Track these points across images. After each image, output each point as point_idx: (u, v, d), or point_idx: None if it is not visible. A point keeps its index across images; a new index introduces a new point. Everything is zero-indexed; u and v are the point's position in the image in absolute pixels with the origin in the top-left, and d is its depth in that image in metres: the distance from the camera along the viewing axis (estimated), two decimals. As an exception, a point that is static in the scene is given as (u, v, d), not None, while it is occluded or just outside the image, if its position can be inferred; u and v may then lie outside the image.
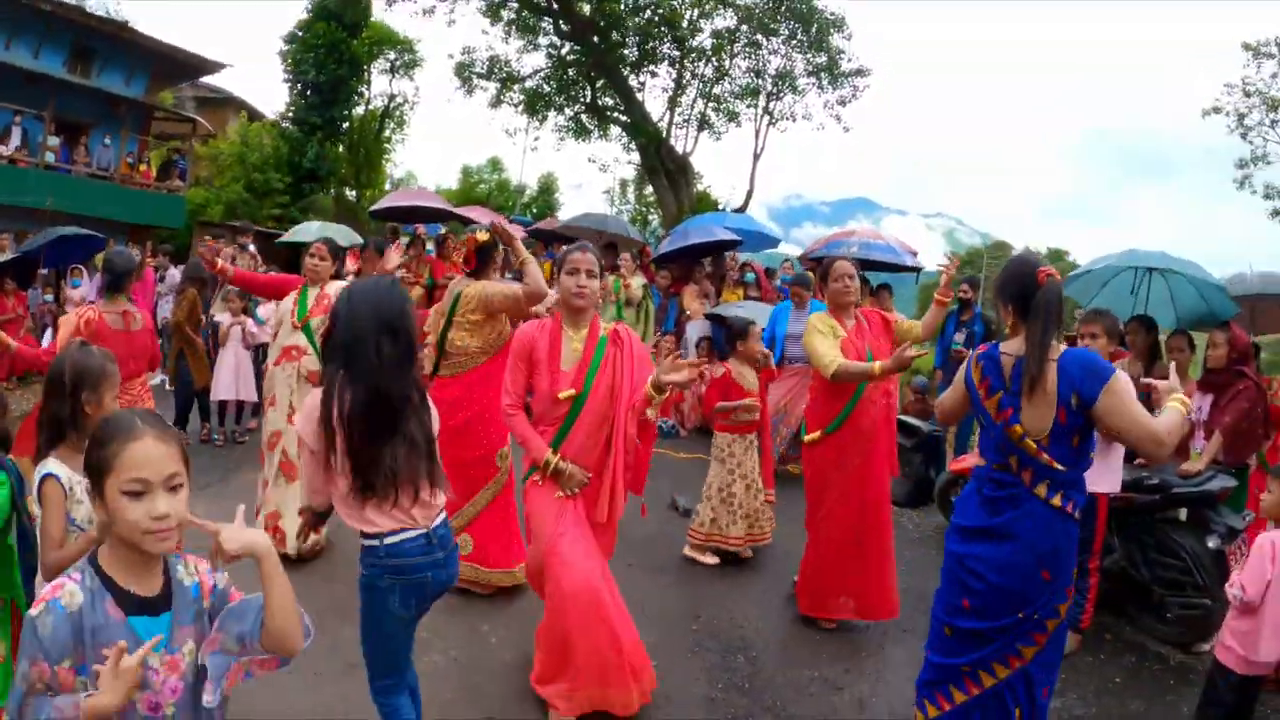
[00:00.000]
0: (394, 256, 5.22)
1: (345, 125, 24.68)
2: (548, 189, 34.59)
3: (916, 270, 10.29)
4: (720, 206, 20.97)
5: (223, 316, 7.69)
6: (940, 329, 6.84)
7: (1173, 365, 2.98)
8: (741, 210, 19.23)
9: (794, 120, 20.14)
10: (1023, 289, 2.70)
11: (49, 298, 10.72)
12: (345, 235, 11.26)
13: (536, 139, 27.04)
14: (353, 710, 3.16)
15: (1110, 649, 4.45)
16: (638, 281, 9.10)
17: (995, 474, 2.74)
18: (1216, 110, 21.73)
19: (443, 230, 11.47)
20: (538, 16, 18.99)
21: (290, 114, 23.56)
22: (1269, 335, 7.29)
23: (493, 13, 18.95)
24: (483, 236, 4.42)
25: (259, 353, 7.63)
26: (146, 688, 1.56)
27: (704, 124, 20.37)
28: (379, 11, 22.79)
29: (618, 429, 3.14)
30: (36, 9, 15.91)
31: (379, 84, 26.29)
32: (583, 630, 3.13)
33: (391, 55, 25.69)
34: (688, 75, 19.81)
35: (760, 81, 19.69)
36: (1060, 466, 2.61)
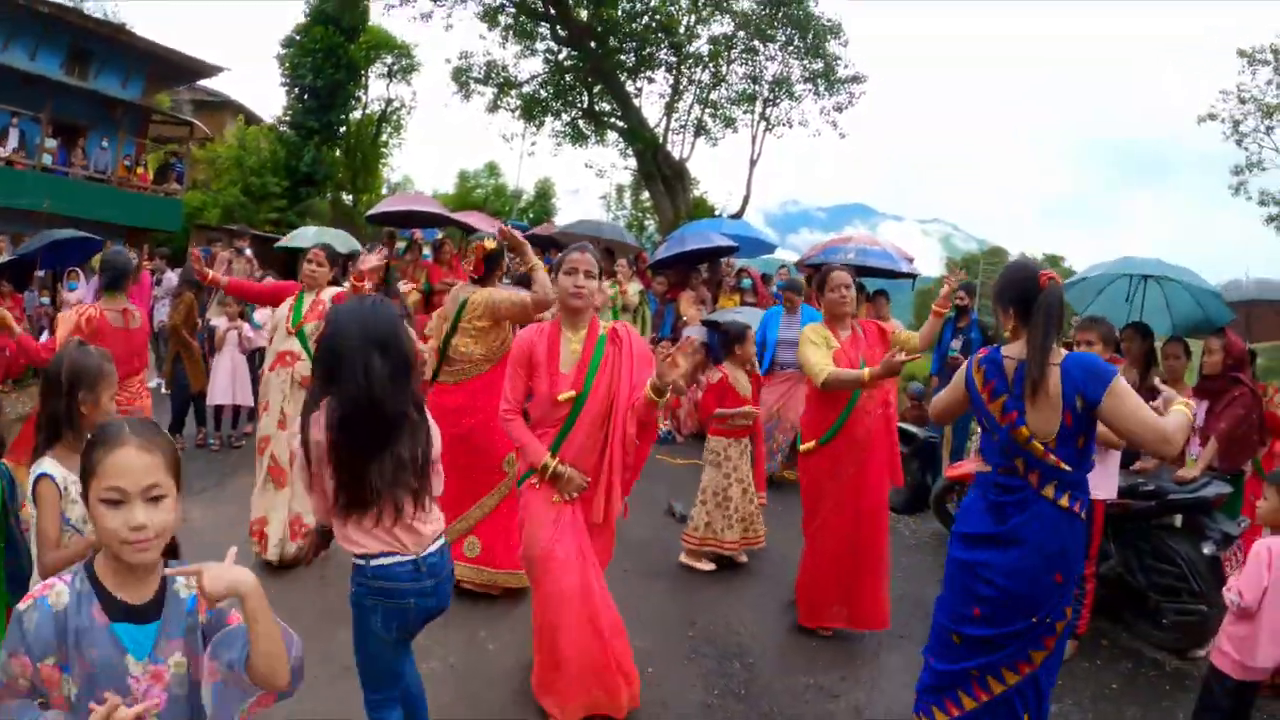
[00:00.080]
0: (371, 259, 5.06)
1: (342, 129, 24.71)
2: (544, 194, 34.64)
3: (913, 277, 10.30)
4: (717, 212, 21.02)
5: (219, 321, 7.68)
6: (937, 336, 6.85)
7: (1165, 394, 2.95)
8: (738, 216, 19.28)
9: (790, 126, 20.27)
10: (1023, 293, 2.71)
11: (45, 300, 10.69)
12: (342, 240, 11.25)
13: (533, 144, 27.05)
14: (347, 716, 3.15)
15: (1106, 655, 4.46)
16: (634, 287, 9.11)
17: (1001, 478, 2.73)
18: (1212, 117, 21.85)
19: (440, 235, 11.46)
20: (535, 22, 19.05)
21: (287, 118, 23.58)
22: (1265, 342, 7.32)
23: (490, 18, 19.02)
24: (490, 245, 4.43)
25: (255, 357, 7.62)
26: (126, 695, 1.54)
27: (701, 130, 20.46)
28: (377, 16, 22.87)
29: (615, 428, 3.12)
30: (34, 11, 15.91)
31: (376, 88, 26.40)
32: (571, 634, 3.13)
33: (389, 60, 25.77)
34: (685, 81, 19.89)
35: (757, 87, 19.78)
36: (1067, 467, 2.63)
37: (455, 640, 3.96)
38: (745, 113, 20.25)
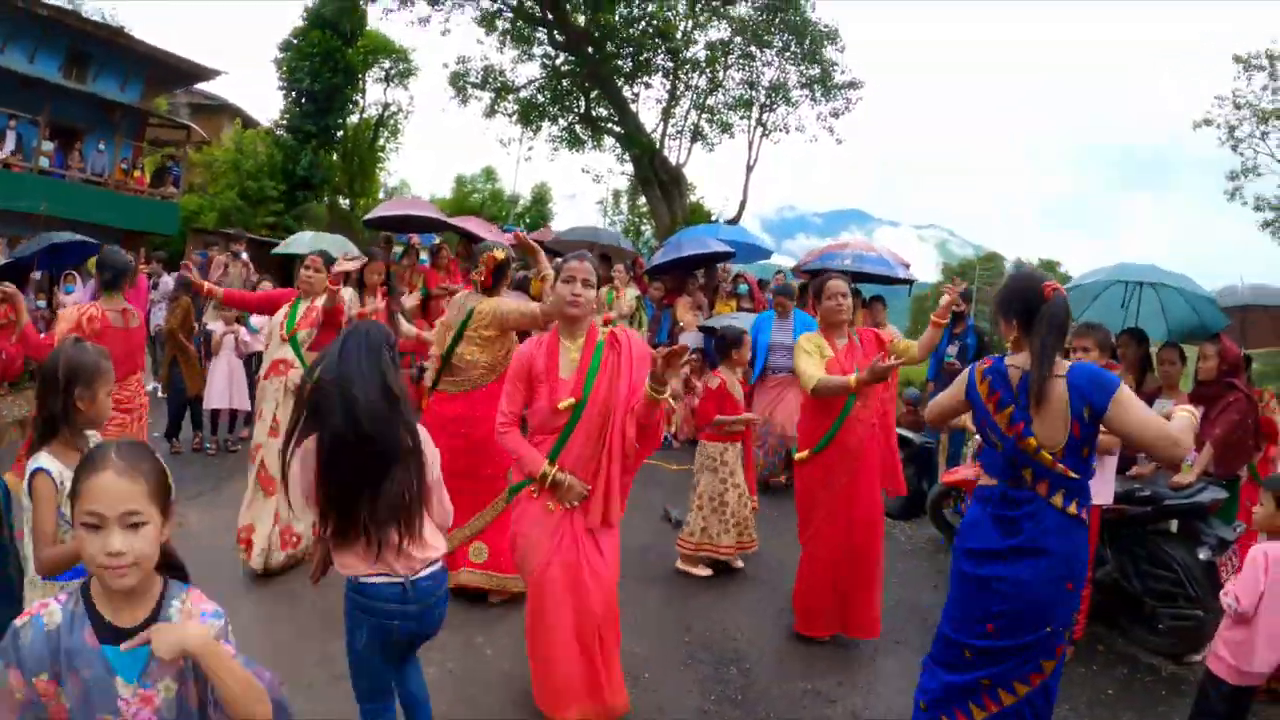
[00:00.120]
0: (345, 265, 4.88)
1: (340, 133, 24.71)
2: (541, 199, 34.65)
3: (909, 283, 10.32)
4: (714, 218, 21.07)
5: (216, 325, 7.68)
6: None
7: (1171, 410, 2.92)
8: (735, 221, 19.34)
9: (787, 132, 20.35)
10: (1028, 304, 2.71)
11: (42, 303, 10.67)
12: (339, 245, 11.23)
13: (530, 149, 27.02)
14: (345, 718, 3.15)
15: (1102, 660, 4.46)
16: (631, 293, 9.12)
17: (1010, 491, 2.71)
18: (1208, 122, 21.95)
19: (437, 240, 11.45)
20: (532, 27, 19.10)
21: (285, 121, 23.57)
22: (1261, 348, 7.34)
23: (488, 23, 19.06)
24: (500, 255, 4.45)
25: (252, 361, 7.62)
26: (116, 716, 1.55)
27: (697, 135, 20.52)
28: (374, 20, 22.96)
29: (614, 430, 3.10)
30: (33, 13, 15.90)
31: (374, 92, 26.41)
32: (563, 665, 3.11)
33: (386, 64, 25.78)
34: (681, 87, 19.95)
35: (754, 93, 19.85)
36: (1075, 475, 2.64)
37: (452, 645, 3.95)
38: (742, 118, 20.35)
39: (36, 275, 10.56)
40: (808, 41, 18.63)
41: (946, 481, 5.79)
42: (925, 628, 4.75)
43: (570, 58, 19.12)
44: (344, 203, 25.72)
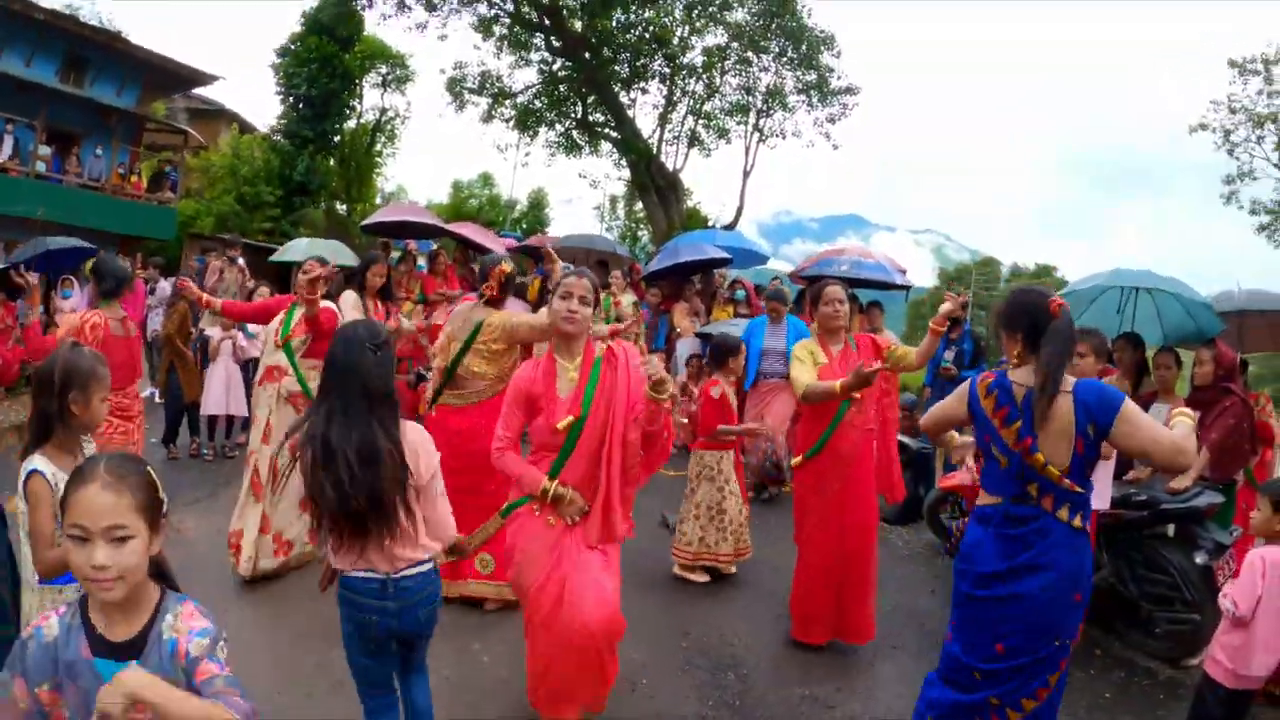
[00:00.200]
0: (316, 271, 4.74)
1: (337, 139, 24.67)
2: (538, 204, 34.67)
3: (906, 288, 10.34)
4: (710, 223, 21.09)
5: (213, 330, 7.67)
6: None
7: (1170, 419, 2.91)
8: (731, 227, 19.36)
9: (784, 137, 20.39)
10: (1034, 320, 2.70)
11: (39, 308, 10.64)
12: (335, 251, 11.22)
13: (527, 154, 27.05)
14: (343, 727, 3.15)
15: (1100, 665, 4.47)
16: (628, 299, 9.13)
17: (1015, 509, 2.70)
18: (1203, 127, 22.02)
19: (434, 246, 11.46)
20: (529, 32, 19.13)
21: (282, 127, 23.55)
22: (1257, 353, 7.36)
23: (485, 28, 19.09)
24: (508, 268, 4.47)
25: (250, 367, 7.61)
26: None
27: (694, 141, 20.55)
28: (372, 26, 22.93)
29: (613, 445, 3.07)
30: (30, 18, 15.88)
31: (371, 98, 26.37)
32: (562, 681, 3.10)
33: (383, 69, 25.77)
34: (678, 92, 20.00)
35: (750, 99, 19.89)
36: (1079, 489, 2.64)
37: (449, 653, 3.95)
38: (739, 124, 20.39)
39: (34, 279, 10.54)
40: (804, 47, 18.68)
41: (943, 487, 5.79)
42: (922, 632, 4.76)
43: (567, 63, 19.15)
44: (341, 208, 25.70)
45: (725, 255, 10.41)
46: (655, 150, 19.64)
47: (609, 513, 3.09)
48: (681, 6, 18.62)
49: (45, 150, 16.04)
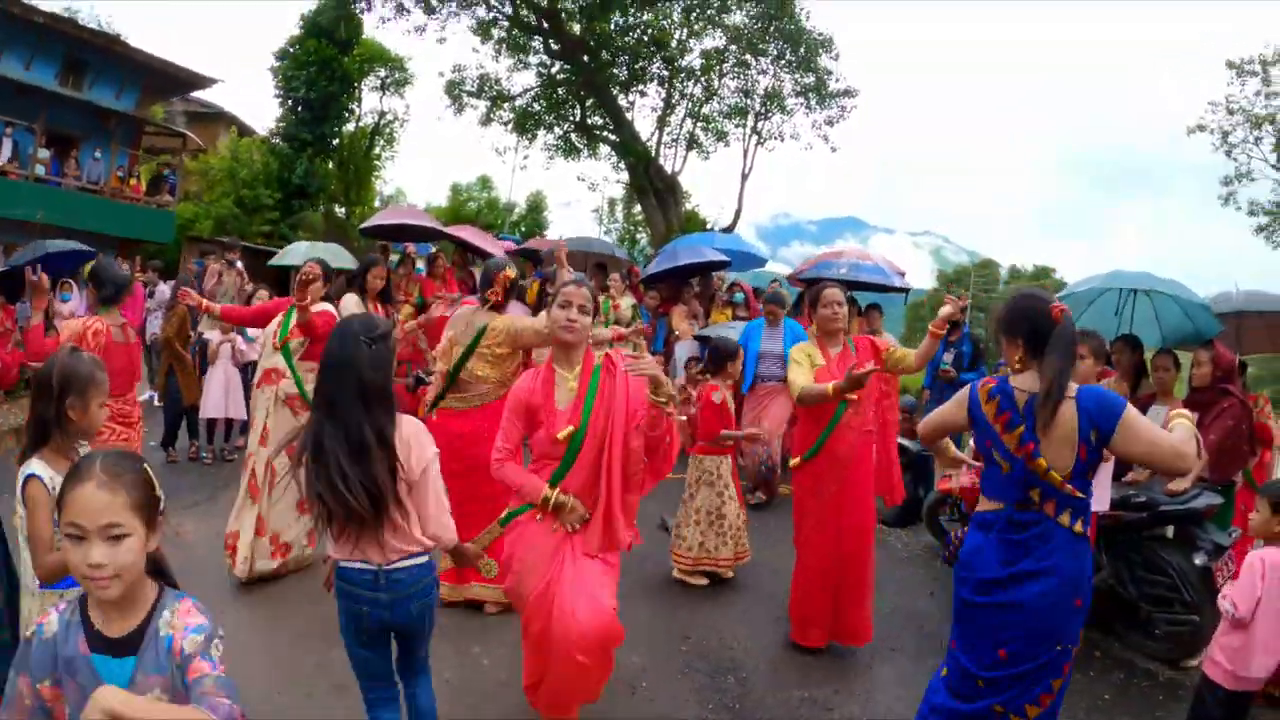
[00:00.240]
0: (315, 271, 4.82)
1: (335, 142, 24.73)
2: (536, 207, 34.72)
3: (905, 291, 10.35)
4: (709, 226, 21.10)
5: (212, 334, 7.67)
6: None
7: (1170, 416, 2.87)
8: (730, 229, 19.37)
9: (782, 140, 20.41)
10: (1035, 325, 2.70)
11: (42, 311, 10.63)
12: (333, 255, 11.23)
13: (526, 157, 27.14)
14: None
15: (1099, 666, 4.47)
16: (627, 302, 9.12)
17: (1017, 514, 2.69)
18: (1201, 128, 22.04)
19: (433, 249, 11.47)
20: (528, 35, 19.15)
21: (280, 130, 23.59)
22: (1256, 354, 7.36)
23: (483, 31, 19.10)
24: (512, 273, 4.49)
25: (249, 370, 7.61)
26: None
27: (692, 143, 20.56)
28: (370, 29, 22.94)
29: (613, 454, 3.04)
30: (29, 21, 15.90)
31: (369, 101, 26.44)
32: (561, 684, 3.08)
33: (382, 73, 25.84)
34: (676, 95, 20.01)
35: (749, 101, 19.91)
36: (1081, 495, 2.64)
37: (450, 656, 3.95)
38: (737, 126, 20.41)
39: (45, 281, 10.53)
40: (802, 50, 18.70)
41: (942, 489, 5.80)
42: (921, 635, 4.76)
43: (566, 66, 19.17)
44: (340, 211, 25.74)
45: (724, 258, 10.41)
46: (654, 153, 19.66)
47: (610, 521, 3.06)
48: (680, 9, 18.65)
49: (44, 153, 16.05)
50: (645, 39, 18.31)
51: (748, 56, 19.16)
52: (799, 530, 4.39)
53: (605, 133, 20.24)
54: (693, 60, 19.44)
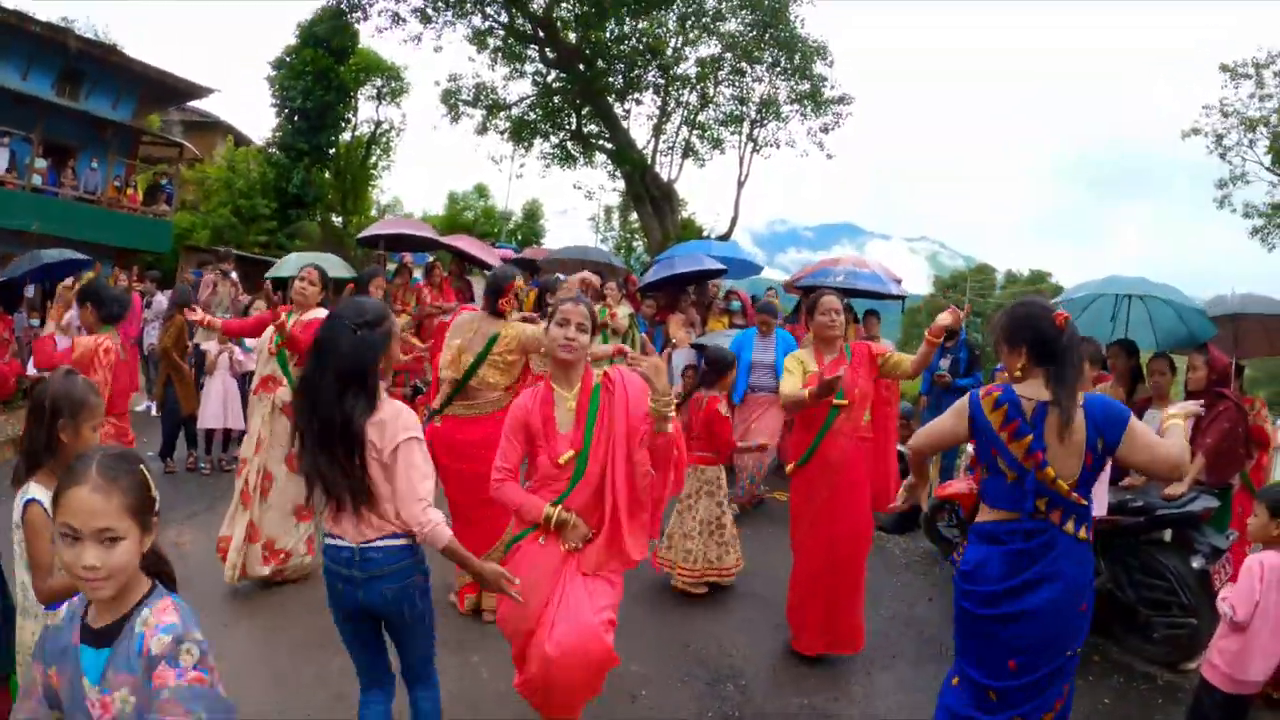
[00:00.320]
0: (313, 275, 5.04)
1: (332, 151, 24.74)
2: (533, 215, 34.76)
3: (901, 298, 10.38)
4: (705, 233, 21.12)
5: (210, 344, 7.66)
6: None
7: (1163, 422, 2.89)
8: (726, 237, 19.40)
9: (778, 147, 20.40)
10: (1039, 334, 2.69)
11: (35, 322, 10.64)
12: (331, 264, 11.22)
13: (522, 166, 27.29)
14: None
15: (1098, 670, 4.48)
16: (624, 310, 9.12)
17: (1022, 524, 2.68)
18: (1196, 131, 22.09)
19: (430, 259, 11.49)
20: (524, 44, 19.17)
21: (277, 139, 23.61)
22: (1253, 357, 7.39)
23: (479, 40, 19.14)
24: (522, 283, 4.56)
25: (247, 380, 7.60)
26: (85, 715, 1.58)
27: (689, 151, 20.57)
28: (366, 38, 23.03)
29: (616, 470, 2.99)
30: (26, 31, 15.92)
31: (366, 110, 26.56)
32: (550, 700, 3.02)
33: (379, 82, 25.86)
34: (672, 103, 20.01)
35: (744, 109, 19.92)
36: (1085, 502, 2.66)
37: (449, 665, 3.93)
38: (733, 134, 20.40)
39: (30, 293, 10.54)
40: (797, 57, 18.72)
41: (940, 495, 5.81)
42: (920, 641, 4.77)
43: (561, 75, 19.19)
44: (337, 220, 25.76)
45: (720, 266, 10.44)
46: (650, 161, 19.67)
47: (615, 538, 3.00)
48: (675, 18, 18.66)
49: (41, 163, 16.04)
50: (641, 47, 18.33)
51: (743, 64, 19.17)
52: (794, 536, 4.41)
53: (601, 141, 20.25)
54: (688, 68, 19.45)
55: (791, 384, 4.14)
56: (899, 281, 10.05)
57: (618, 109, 19.61)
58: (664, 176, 20.02)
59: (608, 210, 31.43)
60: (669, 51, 18.66)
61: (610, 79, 18.74)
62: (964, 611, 2.82)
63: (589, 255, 12.02)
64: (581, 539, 3.01)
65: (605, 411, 3.04)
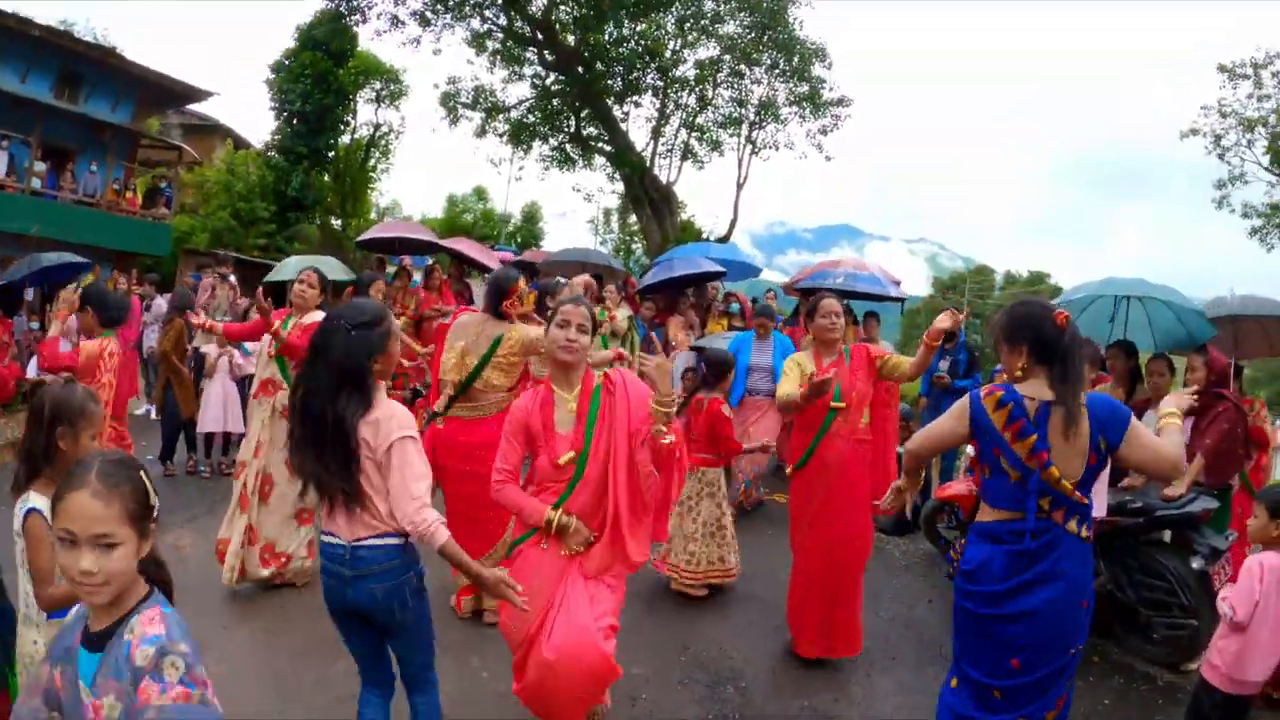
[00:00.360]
0: (311, 278, 5.12)
1: (331, 154, 24.73)
2: (532, 218, 34.78)
3: (901, 300, 10.39)
4: (704, 235, 21.12)
5: (209, 348, 7.66)
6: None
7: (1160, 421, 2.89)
8: (725, 239, 19.40)
9: (776, 149, 20.41)
10: (1040, 333, 2.69)
11: (35, 325, 10.65)
12: (328, 267, 11.21)
13: (521, 168, 27.24)
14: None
15: (1099, 671, 4.48)
16: (623, 313, 9.13)
17: (1025, 524, 2.67)
18: (1194, 132, 22.10)
19: (430, 262, 11.48)
20: (522, 47, 19.19)
21: (276, 142, 23.61)
22: (1252, 358, 7.40)
23: (478, 43, 19.14)
24: (524, 284, 4.56)
25: (246, 383, 7.59)
26: (81, 718, 1.58)
27: (687, 153, 20.57)
28: (365, 41, 23.01)
29: (617, 473, 2.98)
30: (25, 34, 15.92)
31: (365, 113, 26.46)
32: (548, 708, 3.04)
33: (377, 85, 25.85)
34: (671, 105, 20.01)
35: (743, 111, 19.92)
36: (1086, 500, 2.67)
37: (449, 668, 3.93)
38: (731, 136, 20.39)
39: (29, 296, 10.54)
40: (796, 59, 18.73)
41: (940, 497, 5.81)
42: (920, 643, 4.77)
43: (560, 77, 19.19)
44: (336, 223, 25.75)
45: (720, 268, 10.45)
46: (649, 163, 19.68)
47: (618, 541, 2.99)
48: (673, 20, 18.66)
49: (40, 166, 16.04)
50: (639, 50, 18.32)
51: (742, 66, 19.18)
52: (793, 537, 4.41)
53: (600, 143, 20.26)
54: (687, 70, 19.45)
55: (787, 386, 4.14)
56: (898, 283, 10.06)
57: (616, 111, 19.62)
58: (663, 179, 20.03)
59: (607, 212, 31.49)
60: (667, 54, 18.66)
61: (609, 81, 18.74)
62: (966, 612, 2.81)
63: (588, 257, 12.03)
64: (583, 543, 3.00)
65: (605, 413, 3.04)
